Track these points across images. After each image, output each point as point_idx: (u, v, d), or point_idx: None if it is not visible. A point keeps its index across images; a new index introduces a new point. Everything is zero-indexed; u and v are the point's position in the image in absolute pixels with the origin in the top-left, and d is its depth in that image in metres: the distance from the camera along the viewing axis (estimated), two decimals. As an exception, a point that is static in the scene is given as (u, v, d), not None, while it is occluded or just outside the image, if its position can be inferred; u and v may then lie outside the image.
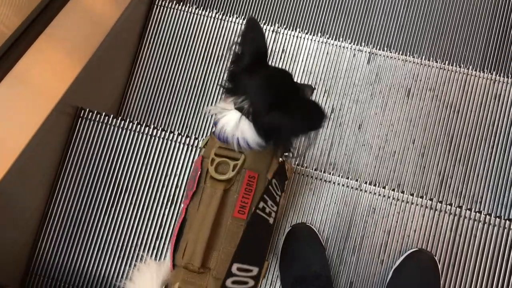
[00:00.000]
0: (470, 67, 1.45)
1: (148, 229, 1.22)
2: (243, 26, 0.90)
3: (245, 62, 0.88)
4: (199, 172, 0.87)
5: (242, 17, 1.55)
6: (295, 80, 1.02)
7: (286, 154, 0.95)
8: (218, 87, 1.51)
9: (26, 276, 1.22)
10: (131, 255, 1.21)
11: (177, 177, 1.24)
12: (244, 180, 0.85)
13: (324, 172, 1.22)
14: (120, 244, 1.22)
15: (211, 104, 1.51)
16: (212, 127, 0.95)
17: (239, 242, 0.82)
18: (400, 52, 1.49)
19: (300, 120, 0.86)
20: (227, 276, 0.80)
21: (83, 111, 1.27)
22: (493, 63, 1.68)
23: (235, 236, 0.83)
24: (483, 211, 1.16)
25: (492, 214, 1.15)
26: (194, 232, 0.83)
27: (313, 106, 0.88)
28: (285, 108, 0.85)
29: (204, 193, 0.86)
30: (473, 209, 1.16)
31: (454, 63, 1.46)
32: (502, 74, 1.42)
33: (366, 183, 1.20)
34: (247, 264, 0.83)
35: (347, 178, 1.21)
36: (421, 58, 1.47)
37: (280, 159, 0.92)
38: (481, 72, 1.43)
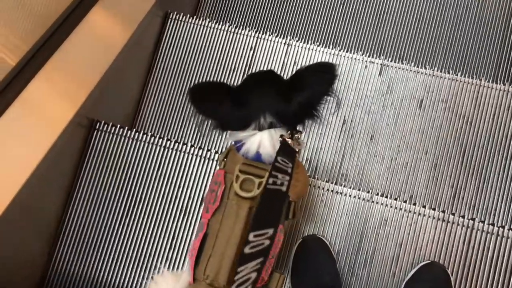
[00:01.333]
0: (483, 78, 1.44)
1: (162, 240, 1.23)
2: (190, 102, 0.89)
3: (221, 104, 0.88)
4: (223, 187, 0.87)
5: (255, 30, 1.57)
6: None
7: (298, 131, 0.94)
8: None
9: None
10: (145, 265, 1.23)
11: (190, 189, 1.26)
12: None
13: (335, 183, 1.22)
14: (134, 255, 1.23)
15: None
16: (231, 141, 0.95)
17: (254, 214, 0.81)
18: (412, 64, 1.49)
19: (318, 80, 0.87)
20: (245, 244, 0.78)
21: (98, 123, 1.30)
22: (506, 74, 1.67)
23: None
24: (496, 224, 1.15)
25: (506, 227, 1.14)
26: (219, 250, 0.83)
27: (315, 66, 0.89)
28: (296, 88, 0.87)
29: (228, 209, 0.85)
30: (486, 222, 1.15)
31: (467, 74, 1.45)
32: (515, 85, 1.42)
33: (377, 194, 1.20)
34: (263, 229, 0.82)
35: (359, 189, 1.21)
36: (433, 69, 1.46)
37: (281, 138, 0.89)
38: (494, 83, 1.43)
